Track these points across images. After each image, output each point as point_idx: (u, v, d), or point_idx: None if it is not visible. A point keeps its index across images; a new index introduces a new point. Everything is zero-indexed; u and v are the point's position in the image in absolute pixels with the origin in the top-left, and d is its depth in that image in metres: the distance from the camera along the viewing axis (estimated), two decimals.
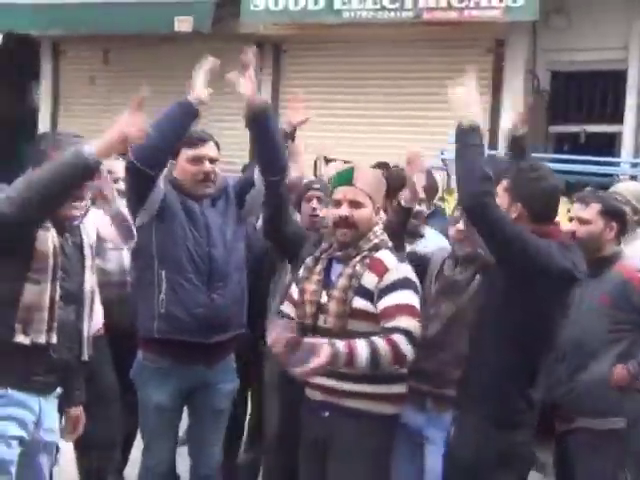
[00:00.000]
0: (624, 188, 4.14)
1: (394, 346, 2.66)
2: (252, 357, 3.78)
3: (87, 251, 2.87)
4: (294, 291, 3.03)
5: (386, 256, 2.87)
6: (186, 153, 3.31)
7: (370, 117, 8.04)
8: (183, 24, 7.59)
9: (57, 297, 2.65)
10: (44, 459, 2.83)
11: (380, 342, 2.67)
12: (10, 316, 2.58)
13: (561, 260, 2.68)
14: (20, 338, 2.58)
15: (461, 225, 3.05)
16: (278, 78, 8.57)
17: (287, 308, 3.05)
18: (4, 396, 2.64)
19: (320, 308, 2.88)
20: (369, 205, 2.90)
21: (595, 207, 3.33)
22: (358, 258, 2.86)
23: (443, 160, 6.55)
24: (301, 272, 3.02)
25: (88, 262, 2.86)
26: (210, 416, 3.43)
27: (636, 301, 3.24)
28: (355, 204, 2.87)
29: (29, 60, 9.61)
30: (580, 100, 8.03)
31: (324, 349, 2.62)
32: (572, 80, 8.04)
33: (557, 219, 2.92)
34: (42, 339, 2.62)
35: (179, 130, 3.20)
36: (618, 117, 7.80)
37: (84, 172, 2.49)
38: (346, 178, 2.93)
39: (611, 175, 6.23)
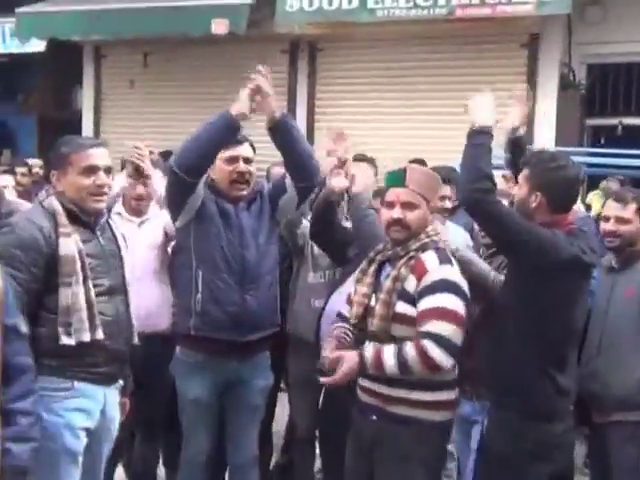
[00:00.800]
0: None
1: (422, 351, 2.66)
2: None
3: (121, 243, 3.02)
4: (352, 292, 3.04)
5: (429, 257, 2.81)
6: (222, 153, 3.41)
7: (406, 114, 8.04)
8: (219, 26, 7.65)
9: (93, 295, 2.77)
10: (106, 447, 2.98)
11: (408, 347, 2.68)
12: (54, 320, 2.73)
13: (567, 248, 2.74)
14: (64, 340, 2.72)
15: None
16: (314, 77, 8.60)
17: (344, 309, 3.07)
18: (70, 389, 2.78)
19: (369, 310, 2.88)
20: (422, 205, 2.87)
21: (633, 206, 3.36)
22: (404, 260, 2.84)
23: None
24: (357, 273, 3.03)
25: (124, 253, 3.00)
26: (245, 411, 3.54)
27: None
28: (408, 205, 2.85)
29: (71, 65, 9.78)
30: (616, 92, 7.97)
31: (351, 356, 2.71)
32: (608, 73, 7.99)
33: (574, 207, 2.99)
34: (86, 337, 2.75)
35: (219, 141, 3.30)
36: None
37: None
38: (398, 179, 2.91)
39: None
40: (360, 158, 4.42)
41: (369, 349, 2.73)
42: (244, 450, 3.61)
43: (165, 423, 3.94)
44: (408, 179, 2.87)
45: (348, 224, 3.67)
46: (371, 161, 4.64)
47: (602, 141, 7.98)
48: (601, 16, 7.66)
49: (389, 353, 2.69)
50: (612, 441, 3.24)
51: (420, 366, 2.68)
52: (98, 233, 2.90)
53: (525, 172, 2.90)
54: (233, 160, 3.44)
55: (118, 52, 9.46)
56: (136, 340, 3.03)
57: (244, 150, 3.49)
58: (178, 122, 8.88)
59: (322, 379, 2.79)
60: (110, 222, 3.06)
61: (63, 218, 2.77)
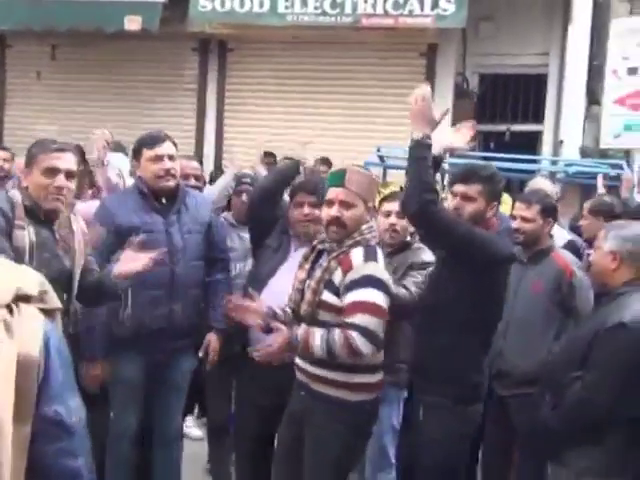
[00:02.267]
0: (536, 184, 4.65)
1: (347, 341, 2.82)
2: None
3: (77, 238, 3.17)
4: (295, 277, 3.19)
5: (356, 254, 2.94)
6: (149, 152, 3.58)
7: (311, 114, 8.39)
8: (132, 23, 7.77)
9: None
10: None
11: (336, 334, 2.84)
12: None
13: (506, 246, 3.11)
14: None
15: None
16: (224, 75, 8.85)
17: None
18: None
19: (302, 296, 3.05)
20: (360, 205, 3.00)
21: (536, 207, 3.76)
22: (336, 253, 2.98)
23: (380, 156, 7.03)
24: (301, 259, 3.19)
25: (77, 248, 3.15)
26: (170, 391, 3.73)
27: (565, 289, 3.67)
28: (346, 205, 2.97)
29: None
30: (505, 101, 8.58)
31: (283, 333, 2.92)
32: (498, 82, 8.57)
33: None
34: None
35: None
36: (540, 117, 8.44)
37: None
38: (338, 179, 3.02)
39: (533, 171, 6.72)
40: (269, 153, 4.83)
41: (300, 330, 2.91)
42: (169, 428, 3.79)
43: None
44: (347, 180, 2.99)
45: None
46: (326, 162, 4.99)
47: (492, 146, 8.54)
48: (493, 31, 8.25)
49: (317, 337, 2.86)
50: (514, 409, 3.63)
51: (344, 353, 2.84)
52: (54, 228, 3.06)
53: (477, 187, 3.10)
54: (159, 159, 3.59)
55: (25, 43, 9.36)
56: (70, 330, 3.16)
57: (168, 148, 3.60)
58: (85, 115, 8.97)
59: (254, 353, 3.01)
60: (72, 217, 3.19)
61: (20, 211, 2.95)
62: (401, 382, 3.51)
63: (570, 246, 4.28)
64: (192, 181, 4.24)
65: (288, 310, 3.19)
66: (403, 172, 4.10)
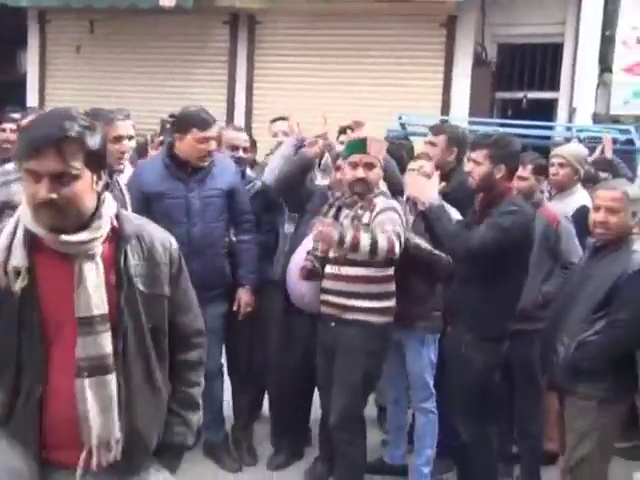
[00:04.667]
0: (566, 151, 4.83)
1: (390, 240, 3.43)
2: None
3: (127, 197, 3.65)
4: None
5: (379, 200, 3.69)
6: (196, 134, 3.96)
7: (335, 84, 8.71)
8: (167, 0, 8.24)
9: None
10: None
11: (380, 236, 3.44)
12: None
13: (525, 222, 3.57)
14: None
15: None
16: (253, 48, 9.24)
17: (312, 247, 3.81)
18: None
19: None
20: (378, 166, 3.73)
21: (529, 167, 4.22)
22: (360, 204, 3.69)
23: (401, 124, 7.41)
24: (318, 215, 3.80)
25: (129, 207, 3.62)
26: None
27: (552, 237, 4.12)
28: (369, 166, 3.69)
29: (16, 29, 9.99)
30: (522, 69, 8.86)
31: (334, 232, 3.45)
32: (516, 52, 8.85)
33: None
34: None
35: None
36: (555, 85, 8.76)
37: None
38: (360, 147, 3.71)
39: (548, 137, 7.03)
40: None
41: (348, 233, 3.44)
42: (209, 365, 4.26)
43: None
44: (369, 146, 3.69)
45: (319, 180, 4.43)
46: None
47: (509, 113, 8.88)
48: (511, 1, 8.50)
49: (365, 238, 3.43)
50: (510, 344, 3.98)
51: (385, 251, 3.42)
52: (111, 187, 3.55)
53: (483, 151, 3.58)
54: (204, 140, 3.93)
55: (64, 17, 9.79)
56: None
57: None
58: (123, 87, 9.46)
59: (315, 228, 3.49)
60: (118, 179, 3.63)
61: None
62: (435, 327, 4.04)
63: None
64: (240, 152, 4.48)
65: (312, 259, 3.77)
66: (423, 138, 4.62)
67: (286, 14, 8.89)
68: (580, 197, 4.59)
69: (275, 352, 4.35)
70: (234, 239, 4.20)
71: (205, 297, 3.86)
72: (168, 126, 5.41)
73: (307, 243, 3.95)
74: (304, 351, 4.10)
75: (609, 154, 5.74)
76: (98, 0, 8.67)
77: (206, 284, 3.89)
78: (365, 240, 3.43)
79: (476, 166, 3.61)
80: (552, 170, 4.64)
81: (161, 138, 5.52)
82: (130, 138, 3.55)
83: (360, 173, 3.68)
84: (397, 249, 3.46)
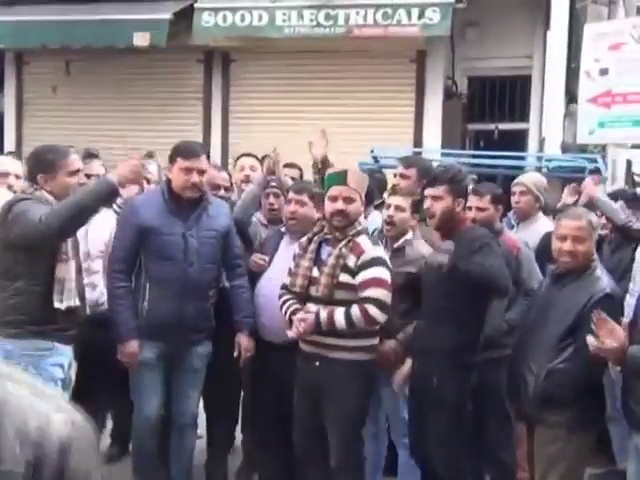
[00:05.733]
0: (526, 179, 4.98)
1: (365, 313, 3.42)
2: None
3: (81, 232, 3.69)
4: (291, 266, 3.71)
5: (364, 240, 3.58)
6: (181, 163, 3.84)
7: (308, 119, 8.70)
8: (141, 39, 8.28)
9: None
10: (66, 395, 3.54)
11: (354, 310, 3.42)
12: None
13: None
14: (57, 304, 3.42)
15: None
16: (228, 85, 9.39)
17: (286, 279, 3.73)
18: (52, 348, 3.44)
19: (311, 281, 3.59)
20: (358, 199, 3.62)
21: (487, 197, 4.28)
22: (344, 242, 3.56)
23: (374, 157, 7.52)
24: (296, 250, 3.73)
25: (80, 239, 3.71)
26: (186, 374, 3.97)
27: (513, 264, 4.16)
28: (348, 200, 3.57)
29: None
30: (493, 101, 9.06)
31: (310, 317, 3.47)
32: (485, 84, 9.06)
33: None
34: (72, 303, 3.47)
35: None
36: (525, 116, 8.94)
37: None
38: (341, 178, 3.61)
39: (521, 168, 7.15)
40: (289, 164, 5.27)
41: (322, 312, 3.46)
42: (186, 410, 4.01)
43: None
44: (349, 179, 3.60)
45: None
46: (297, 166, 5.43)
47: (481, 144, 9.06)
48: (479, 36, 8.73)
49: (340, 314, 3.43)
50: (481, 373, 3.95)
51: (363, 323, 3.45)
52: None
53: (444, 187, 3.59)
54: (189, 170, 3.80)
55: (40, 59, 9.92)
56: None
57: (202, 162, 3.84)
58: (99, 126, 9.55)
59: (289, 333, 3.56)
60: None
61: None
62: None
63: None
64: (221, 192, 4.44)
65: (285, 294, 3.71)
66: (393, 170, 4.69)
67: (259, 52, 9.05)
68: (543, 225, 4.68)
69: (248, 385, 4.35)
70: (227, 284, 4.14)
71: (195, 339, 3.94)
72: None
73: (269, 276, 4.01)
74: (278, 384, 4.08)
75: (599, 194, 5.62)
76: (74, 40, 8.77)
77: (198, 326, 3.91)
78: (339, 316, 3.45)
79: (436, 202, 3.61)
80: (514, 199, 4.74)
81: None
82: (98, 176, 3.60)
83: (340, 205, 3.56)
84: (379, 318, 3.47)
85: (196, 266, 3.81)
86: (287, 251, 4.03)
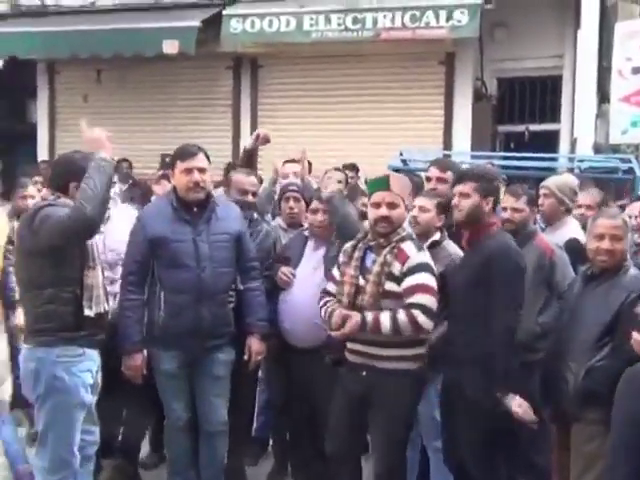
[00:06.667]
0: (550, 182, 4.82)
1: (412, 318, 3.31)
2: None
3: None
4: (336, 273, 3.63)
5: (408, 246, 3.46)
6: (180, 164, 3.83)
7: (337, 123, 8.89)
8: (170, 47, 8.36)
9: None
10: (94, 398, 3.62)
11: (401, 314, 3.32)
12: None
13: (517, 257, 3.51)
14: (87, 311, 3.44)
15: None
16: (256, 91, 9.44)
17: (330, 287, 3.64)
18: (82, 354, 3.44)
19: (358, 289, 3.48)
20: (401, 205, 3.50)
21: (523, 198, 4.20)
22: (388, 249, 3.45)
23: (403, 160, 7.49)
24: (341, 257, 3.62)
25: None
26: (210, 381, 3.91)
27: (547, 267, 4.10)
28: (391, 205, 3.47)
29: (27, 81, 10.30)
30: (523, 103, 9.01)
31: (355, 316, 3.38)
32: (515, 85, 9.02)
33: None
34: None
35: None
36: (556, 116, 8.86)
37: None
38: (383, 184, 3.51)
39: (553, 169, 6.94)
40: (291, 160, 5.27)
41: (369, 314, 3.35)
42: (212, 418, 3.94)
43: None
44: (391, 184, 3.50)
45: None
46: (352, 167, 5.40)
47: (512, 146, 8.98)
48: (507, 36, 8.70)
49: (385, 318, 3.33)
50: None
51: (410, 329, 3.33)
52: None
53: (470, 184, 3.53)
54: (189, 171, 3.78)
55: (72, 68, 10.06)
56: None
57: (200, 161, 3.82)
58: (130, 133, 9.63)
59: (332, 333, 3.47)
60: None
61: None
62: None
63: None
64: (249, 197, 4.28)
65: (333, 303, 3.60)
66: (424, 174, 4.65)
67: (287, 57, 9.10)
68: (570, 229, 4.59)
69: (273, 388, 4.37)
70: (241, 287, 4.08)
71: (215, 345, 3.88)
72: (168, 160, 5.46)
73: (299, 283, 4.01)
74: (302, 388, 4.08)
75: None
76: (104, 49, 8.87)
77: (216, 332, 3.86)
78: (385, 319, 3.37)
79: (463, 199, 3.56)
80: (540, 201, 4.68)
81: (160, 172, 5.55)
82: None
83: (383, 211, 3.47)
84: (425, 325, 3.37)
85: (209, 271, 3.77)
86: (313, 256, 4.04)
